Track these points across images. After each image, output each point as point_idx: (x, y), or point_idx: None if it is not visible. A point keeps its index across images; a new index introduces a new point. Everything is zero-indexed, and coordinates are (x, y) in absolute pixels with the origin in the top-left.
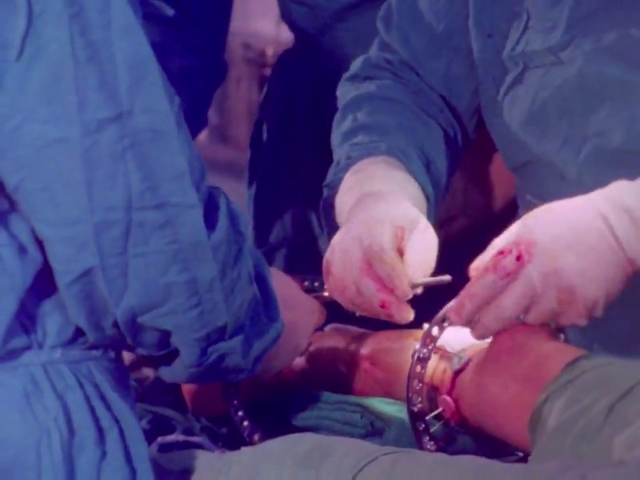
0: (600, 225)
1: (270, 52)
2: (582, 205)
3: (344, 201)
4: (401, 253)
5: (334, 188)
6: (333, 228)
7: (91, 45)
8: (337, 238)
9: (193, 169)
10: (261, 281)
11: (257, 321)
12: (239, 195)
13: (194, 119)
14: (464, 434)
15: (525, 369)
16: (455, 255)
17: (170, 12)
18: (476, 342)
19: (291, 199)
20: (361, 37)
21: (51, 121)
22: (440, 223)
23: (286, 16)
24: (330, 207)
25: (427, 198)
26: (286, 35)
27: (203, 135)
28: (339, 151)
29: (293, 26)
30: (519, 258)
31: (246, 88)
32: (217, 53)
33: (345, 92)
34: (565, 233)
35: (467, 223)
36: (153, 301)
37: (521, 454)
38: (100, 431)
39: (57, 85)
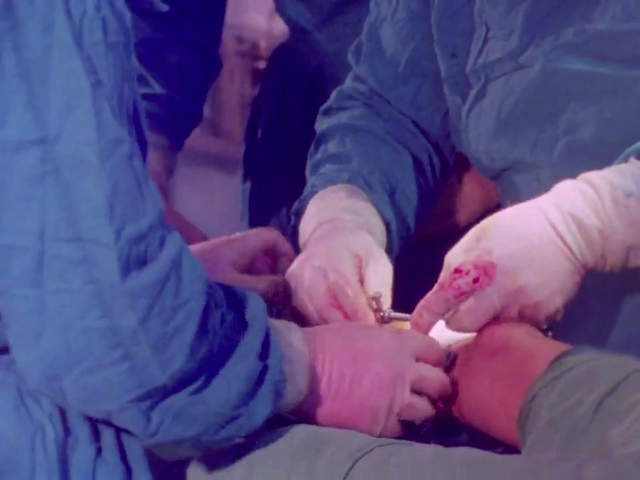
0: (553, 237)
1: (263, 45)
2: (532, 215)
3: (305, 227)
4: (360, 281)
5: (299, 216)
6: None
7: (24, 63)
8: (296, 265)
9: (115, 208)
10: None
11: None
12: (230, 188)
13: (189, 114)
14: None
15: (511, 368)
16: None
17: (164, 7)
18: (460, 338)
19: (287, 194)
20: (357, 31)
21: None
22: (435, 219)
23: (281, 10)
24: (296, 234)
25: (388, 224)
26: (279, 28)
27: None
28: (308, 182)
29: (288, 20)
30: (475, 280)
31: (238, 81)
32: (211, 48)
33: (319, 125)
34: (521, 250)
35: (449, 224)
36: (73, 350)
37: None
38: (95, 428)
39: None
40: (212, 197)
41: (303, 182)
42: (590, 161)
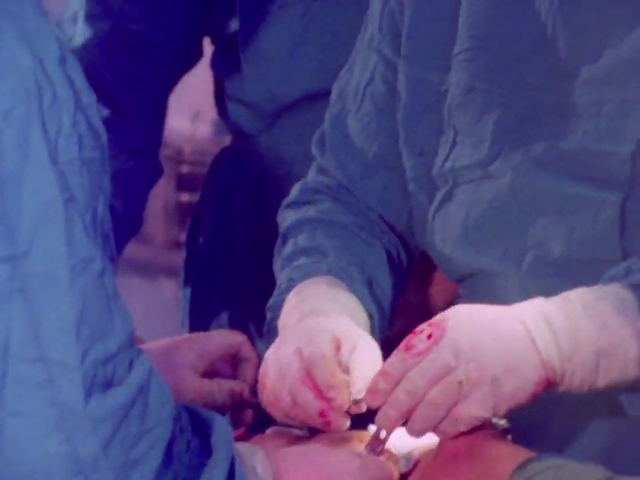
0: (518, 326)
1: (187, 149)
2: (500, 308)
3: (286, 320)
4: (344, 369)
5: (276, 310)
6: None
7: None
8: (271, 350)
9: (83, 328)
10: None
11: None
12: (152, 295)
13: (130, 222)
14: None
15: (475, 473)
16: None
17: (104, 112)
18: (422, 443)
19: (228, 301)
20: (301, 136)
21: None
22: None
23: (224, 114)
24: (273, 330)
25: (371, 316)
26: (202, 131)
27: None
28: (281, 276)
29: (231, 125)
30: (429, 336)
31: (162, 185)
32: (152, 153)
33: (284, 218)
34: (479, 318)
35: (406, 323)
36: (31, 476)
37: None
38: None
39: None
40: (136, 303)
41: (245, 288)
42: (559, 275)
